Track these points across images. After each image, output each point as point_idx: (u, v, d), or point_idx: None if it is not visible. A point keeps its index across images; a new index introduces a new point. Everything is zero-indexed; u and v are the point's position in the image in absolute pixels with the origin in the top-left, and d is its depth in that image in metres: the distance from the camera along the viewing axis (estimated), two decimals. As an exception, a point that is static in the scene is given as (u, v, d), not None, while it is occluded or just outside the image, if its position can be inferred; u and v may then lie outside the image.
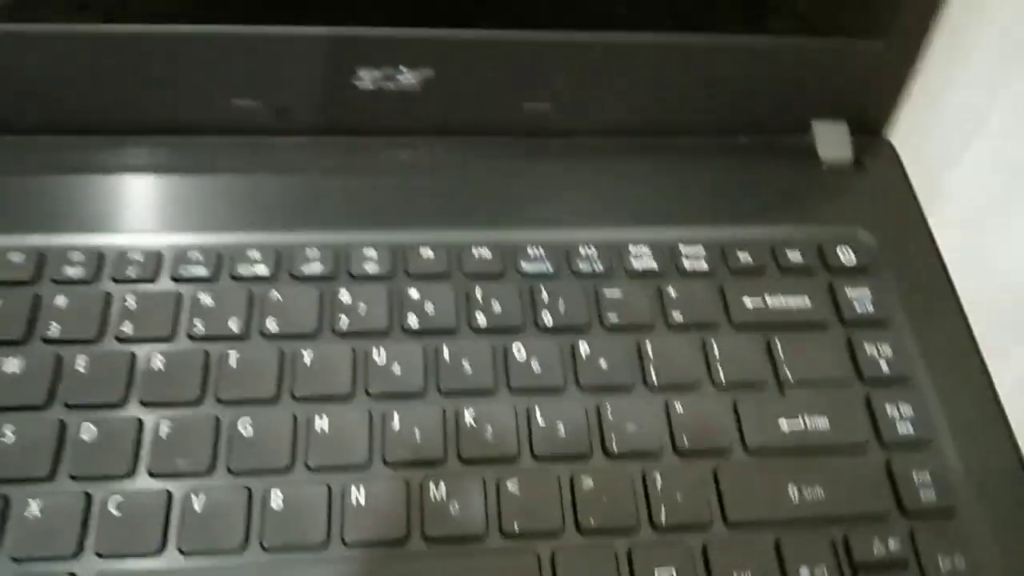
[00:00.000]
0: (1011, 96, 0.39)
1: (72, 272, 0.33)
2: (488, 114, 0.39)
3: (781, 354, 0.34)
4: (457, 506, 0.29)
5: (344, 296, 0.33)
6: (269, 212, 0.36)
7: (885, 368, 0.34)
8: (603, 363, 0.33)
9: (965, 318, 0.36)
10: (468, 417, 0.31)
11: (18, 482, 0.29)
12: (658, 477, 0.30)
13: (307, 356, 0.32)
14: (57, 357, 0.31)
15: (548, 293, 0.34)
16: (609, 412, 0.31)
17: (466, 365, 0.32)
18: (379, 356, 0.32)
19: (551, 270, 0.35)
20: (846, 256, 0.36)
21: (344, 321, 0.33)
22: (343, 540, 0.28)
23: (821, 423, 0.32)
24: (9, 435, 0.29)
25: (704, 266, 0.36)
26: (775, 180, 0.40)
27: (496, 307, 0.34)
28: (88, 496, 0.29)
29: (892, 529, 0.30)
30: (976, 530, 0.31)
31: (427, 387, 0.32)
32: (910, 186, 0.40)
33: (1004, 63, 0.38)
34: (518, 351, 0.33)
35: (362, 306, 0.33)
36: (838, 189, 0.40)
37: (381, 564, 0.28)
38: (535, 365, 0.32)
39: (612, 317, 0.34)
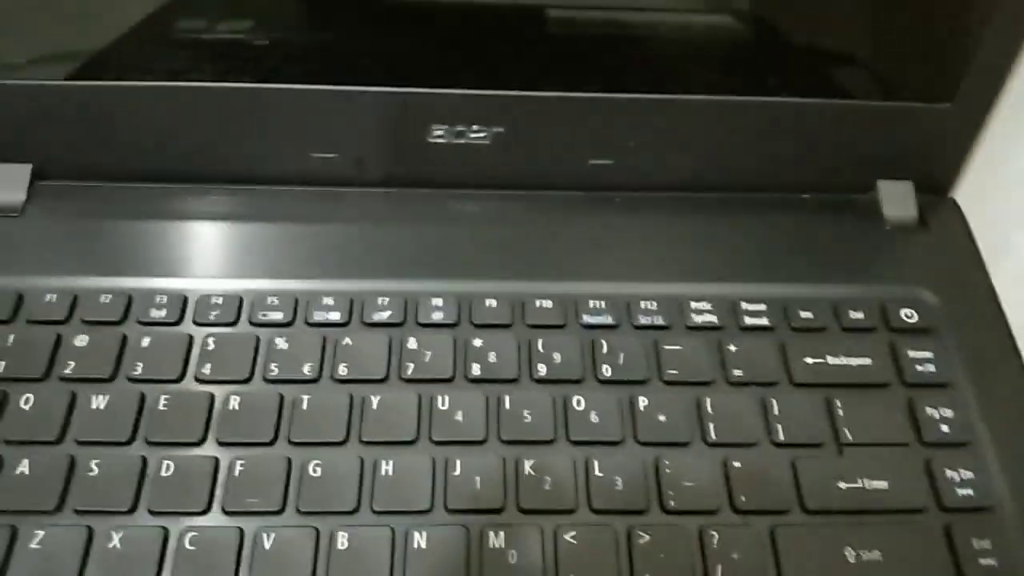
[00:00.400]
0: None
1: (156, 314, 0.35)
2: (554, 169, 0.40)
3: (841, 413, 0.34)
4: (515, 555, 0.30)
5: (412, 343, 0.35)
6: (343, 260, 0.37)
7: (946, 431, 0.33)
8: (662, 417, 0.33)
9: (1030, 379, 0.35)
10: (527, 466, 0.32)
11: (101, 514, 0.30)
12: (715, 535, 0.31)
13: (375, 401, 0.33)
14: (141, 395, 0.33)
15: (608, 346, 0.35)
16: (667, 467, 0.32)
17: (527, 414, 0.33)
18: (443, 403, 0.33)
19: (612, 322, 0.36)
20: (909, 316, 0.36)
21: (411, 368, 0.34)
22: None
23: (880, 485, 0.32)
24: (94, 468, 0.31)
25: (765, 323, 0.36)
26: (839, 239, 0.40)
27: (557, 358, 0.35)
28: (165, 531, 0.30)
29: (951, 596, 0.30)
30: (1037, 602, 0.30)
31: (488, 435, 0.33)
32: (975, 246, 0.40)
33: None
34: (578, 402, 0.33)
35: (428, 354, 0.34)
36: (902, 248, 0.40)
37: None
38: (594, 416, 0.33)
39: (671, 371, 0.35)
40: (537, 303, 0.36)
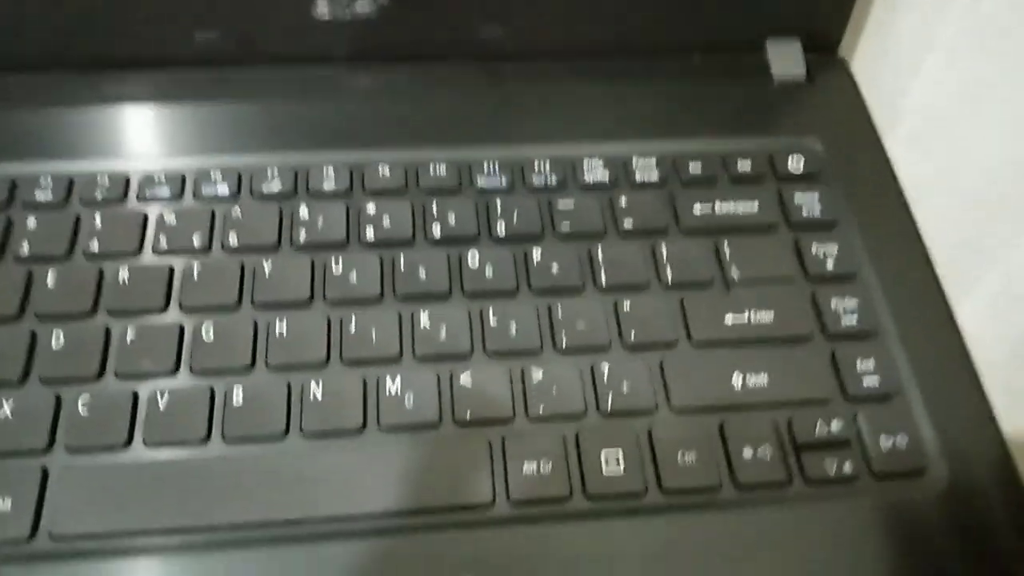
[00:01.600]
0: (960, 11, 0.39)
1: (41, 196, 0.35)
2: (444, 39, 0.40)
3: (728, 255, 0.35)
4: (411, 398, 0.30)
5: (303, 212, 0.35)
6: (231, 137, 0.37)
7: (831, 266, 0.35)
8: (554, 268, 0.34)
9: (912, 219, 0.37)
10: (423, 319, 0.32)
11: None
12: (605, 368, 0.31)
13: (267, 267, 0.33)
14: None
15: (502, 206, 0.35)
16: (559, 312, 0.33)
17: (422, 272, 0.33)
18: (337, 267, 0.33)
19: (506, 185, 0.36)
20: (796, 164, 0.37)
21: (303, 234, 0.34)
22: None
23: (766, 317, 0.33)
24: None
25: (655, 177, 0.37)
26: (728, 97, 0.40)
27: (451, 219, 0.35)
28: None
29: (835, 413, 0.31)
30: (917, 411, 0.31)
31: (384, 293, 0.33)
32: (862, 100, 0.41)
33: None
34: (472, 257, 0.34)
35: (321, 220, 0.34)
36: (790, 104, 0.40)
37: (338, 454, 0.29)
38: (489, 271, 0.34)
39: (564, 226, 0.35)
40: (431, 169, 0.36)
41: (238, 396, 0.30)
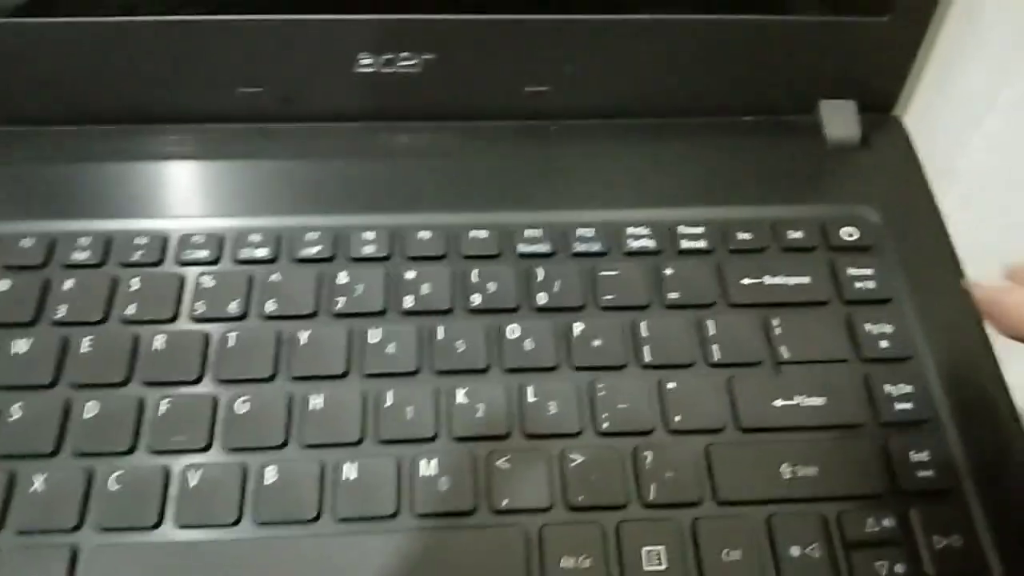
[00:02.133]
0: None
1: (79, 256, 0.34)
2: (488, 98, 0.39)
3: (778, 332, 0.33)
4: (447, 483, 0.30)
5: (342, 278, 0.34)
6: (271, 197, 0.37)
7: (885, 346, 0.33)
8: (597, 342, 0.33)
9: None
10: (460, 395, 0.31)
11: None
12: (648, 455, 0.30)
13: (303, 337, 0.32)
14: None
15: (544, 273, 0.34)
16: (601, 390, 0.32)
17: (460, 345, 0.32)
18: (375, 336, 0.33)
19: (548, 251, 0.35)
20: (849, 234, 0.36)
21: (341, 302, 0.33)
22: (334, 514, 0.29)
23: (817, 402, 0.32)
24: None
25: (703, 245, 0.36)
26: (779, 160, 0.39)
27: (491, 287, 0.34)
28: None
29: (887, 508, 0.30)
30: (974, 513, 0.30)
31: (421, 366, 0.32)
32: (918, 164, 0.39)
33: (1017, 39, 0.37)
34: (512, 331, 0.33)
35: (359, 287, 0.34)
36: (844, 168, 0.39)
37: (369, 543, 0.29)
38: (528, 344, 0.33)
39: (607, 297, 0.34)
40: (471, 234, 0.35)
41: (271, 475, 0.30)
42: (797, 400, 0.32)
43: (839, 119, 0.40)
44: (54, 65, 0.37)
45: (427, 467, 0.30)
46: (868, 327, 0.34)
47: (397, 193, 0.37)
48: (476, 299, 0.34)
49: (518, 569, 0.28)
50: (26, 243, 0.34)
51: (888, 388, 0.32)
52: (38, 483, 0.29)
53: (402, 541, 0.29)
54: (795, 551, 0.29)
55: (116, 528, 0.29)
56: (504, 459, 0.30)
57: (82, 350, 0.32)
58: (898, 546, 0.29)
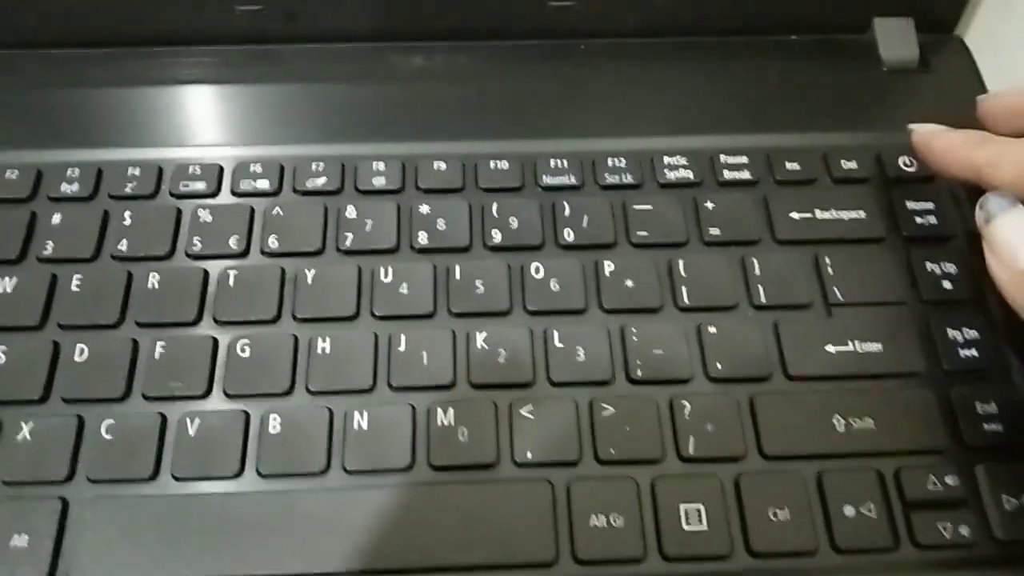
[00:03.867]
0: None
1: (68, 189, 0.32)
2: (510, 13, 0.36)
3: (830, 271, 0.30)
4: (466, 433, 0.27)
5: (350, 211, 0.31)
6: (273, 124, 0.34)
7: (948, 287, 0.30)
8: (629, 282, 0.30)
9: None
10: (480, 339, 0.29)
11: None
12: (687, 405, 0.28)
13: (310, 275, 0.30)
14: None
15: (571, 208, 0.31)
16: (634, 335, 0.29)
17: (479, 285, 0.30)
18: (386, 275, 0.30)
19: (575, 183, 0.32)
20: (908, 164, 0.33)
21: (350, 239, 0.31)
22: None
23: (872, 348, 0.29)
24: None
25: (747, 176, 0.32)
26: (830, 83, 0.36)
27: (513, 223, 0.31)
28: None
29: (950, 465, 0.27)
30: (1048, 467, 0.27)
31: (436, 308, 0.29)
32: (984, 88, 0.36)
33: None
34: (536, 270, 0.30)
35: (369, 223, 0.31)
36: (901, 92, 0.36)
37: (382, 498, 0.26)
38: (554, 284, 0.30)
39: (641, 233, 0.31)
40: (491, 164, 0.33)
41: (275, 424, 0.27)
42: (850, 346, 0.29)
43: (895, 38, 0.36)
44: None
45: (444, 416, 0.27)
46: (929, 266, 0.30)
47: (410, 120, 0.34)
48: (496, 235, 0.31)
49: (543, 527, 0.26)
50: (10, 175, 0.32)
51: (951, 333, 0.29)
52: (25, 431, 0.27)
53: (417, 496, 0.26)
54: (849, 511, 0.26)
55: (109, 480, 0.27)
56: (527, 408, 0.28)
57: (71, 289, 0.29)
58: (963, 507, 0.26)
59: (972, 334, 0.29)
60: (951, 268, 0.30)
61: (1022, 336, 0.29)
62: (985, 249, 0.26)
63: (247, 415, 0.27)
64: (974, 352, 0.29)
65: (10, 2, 0.34)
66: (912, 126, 0.31)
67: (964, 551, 0.26)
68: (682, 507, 0.26)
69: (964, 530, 0.26)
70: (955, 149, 0.29)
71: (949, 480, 0.27)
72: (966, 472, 0.27)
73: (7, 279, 0.30)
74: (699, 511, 0.26)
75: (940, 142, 0.29)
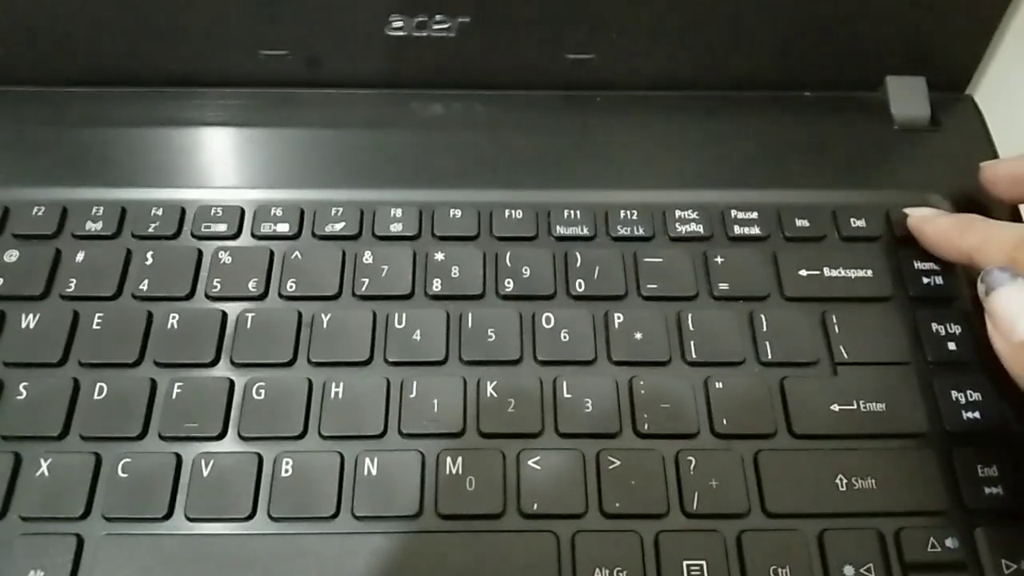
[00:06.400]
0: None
1: (92, 227, 0.32)
2: (527, 65, 0.36)
3: (836, 329, 0.31)
4: (474, 482, 0.28)
5: (367, 257, 0.32)
6: (294, 168, 0.34)
7: (952, 348, 0.30)
8: (638, 335, 0.30)
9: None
10: (489, 388, 0.29)
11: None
12: (692, 460, 0.28)
13: (326, 319, 0.30)
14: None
15: (582, 259, 0.32)
16: (642, 387, 0.29)
17: (491, 333, 0.30)
18: (400, 321, 0.31)
19: (587, 234, 0.33)
20: (916, 224, 0.33)
21: (365, 283, 0.31)
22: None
23: (876, 407, 0.29)
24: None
25: (756, 232, 0.33)
26: (841, 140, 0.36)
27: (526, 272, 0.32)
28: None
29: (951, 527, 0.27)
30: (1048, 534, 0.27)
31: (448, 355, 0.30)
32: (993, 149, 0.36)
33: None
34: (547, 320, 0.31)
35: (385, 268, 0.32)
36: (912, 150, 0.36)
37: (390, 544, 0.27)
38: (564, 335, 0.30)
39: (651, 286, 0.32)
40: (506, 213, 0.33)
41: (287, 467, 0.28)
42: (855, 405, 0.29)
43: (907, 97, 0.37)
44: (69, 23, 0.34)
45: (452, 464, 0.28)
46: (934, 327, 0.31)
47: (428, 167, 0.35)
48: (509, 284, 0.31)
49: (548, 580, 0.26)
50: (37, 212, 0.32)
51: (955, 395, 0.30)
52: (44, 467, 0.28)
53: (423, 544, 0.27)
54: (849, 571, 0.27)
55: (124, 518, 0.27)
56: (535, 459, 0.28)
57: (92, 327, 0.30)
58: (962, 570, 0.27)
59: (975, 396, 0.30)
60: (956, 329, 0.31)
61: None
62: (987, 320, 0.27)
63: (260, 458, 0.28)
64: (977, 414, 0.29)
65: (39, 41, 0.35)
66: (907, 210, 0.32)
67: (962, 615, 0.26)
68: (685, 563, 0.26)
69: (963, 594, 0.26)
70: (944, 235, 0.30)
71: (948, 543, 0.27)
72: (965, 535, 0.27)
73: (31, 315, 0.30)
74: (702, 567, 0.26)
75: (931, 227, 0.31)
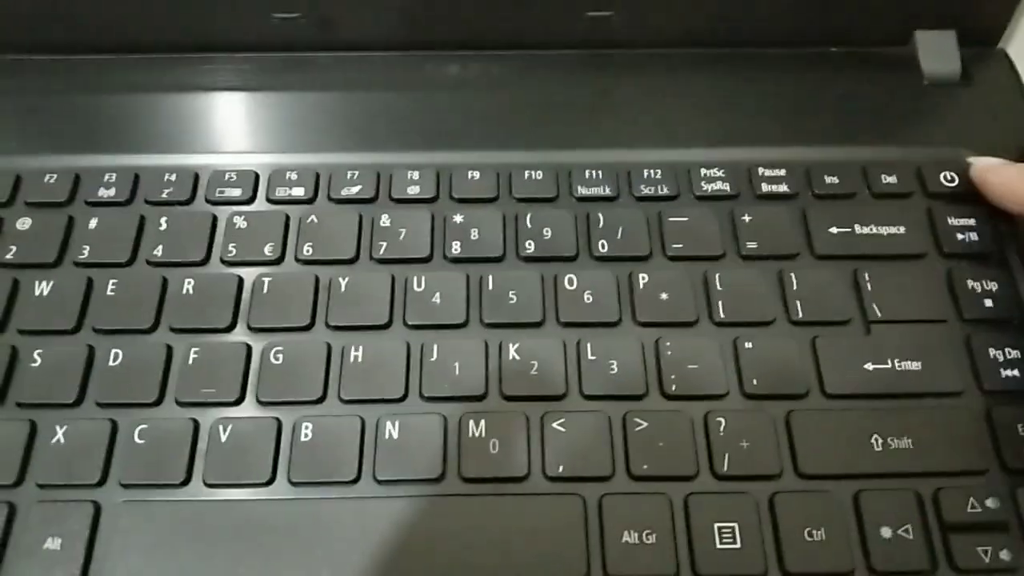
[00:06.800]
0: None
1: (105, 194, 0.32)
2: (546, 23, 0.35)
3: (869, 288, 0.30)
4: (497, 445, 0.27)
5: (385, 220, 0.31)
6: (309, 132, 0.34)
7: (989, 305, 0.29)
8: (664, 295, 0.30)
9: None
10: (512, 351, 0.29)
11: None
12: (722, 421, 0.27)
13: (343, 283, 0.30)
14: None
15: (605, 219, 0.31)
16: (668, 348, 0.29)
17: (512, 295, 0.30)
18: (419, 284, 0.30)
19: (610, 194, 0.32)
20: (949, 180, 0.32)
21: (383, 247, 0.31)
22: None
23: (912, 366, 0.28)
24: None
25: (785, 189, 0.32)
26: (871, 96, 0.35)
27: (547, 233, 0.31)
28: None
29: (992, 487, 0.26)
30: (1093, 492, 0.27)
31: (469, 318, 0.29)
32: (1026, 101, 0.35)
33: None
34: (569, 281, 0.30)
35: (403, 231, 0.31)
36: (943, 106, 0.35)
37: (412, 508, 0.26)
38: (587, 296, 0.30)
39: (676, 245, 0.31)
40: (526, 174, 0.32)
41: (307, 432, 0.27)
42: (889, 364, 0.28)
43: (937, 52, 0.36)
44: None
45: (475, 427, 0.27)
46: (970, 284, 0.30)
47: (445, 129, 0.34)
48: (530, 246, 0.31)
49: (575, 542, 0.26)
50: (49, 179, 0.32)
51: (993, 353, 0.29)
52: (60, 434, 0.27)
53: (447, 507, 0.26)
54: (886, 532, 0.26)
55: (141, 484, 0.27)
56: (559, 421, 0.27)
57: (107, 293, 0.30)
58: (1004, 530, 0.26)
59: (1014, 354, 0.29)
60: (993, 286, 0.30)
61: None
62: None
63: (279, 422, 0.27)
64: (1016, 372, 0.28)
65: (50, 8, 0.35)
66: (970, 159, 0.31)
67: (1005, 576, 0.25)
68: (716, 525, 0.26)
69: (1005, 554, 0.25)
70: (1010, 184, 0.29)
71: (990, 503, 0.26)
72: (1007, 495, 0.26)
73: (44, 283, 0.30)
74: (733, 529, 0.26)
75: (996, 177, 0.30)
